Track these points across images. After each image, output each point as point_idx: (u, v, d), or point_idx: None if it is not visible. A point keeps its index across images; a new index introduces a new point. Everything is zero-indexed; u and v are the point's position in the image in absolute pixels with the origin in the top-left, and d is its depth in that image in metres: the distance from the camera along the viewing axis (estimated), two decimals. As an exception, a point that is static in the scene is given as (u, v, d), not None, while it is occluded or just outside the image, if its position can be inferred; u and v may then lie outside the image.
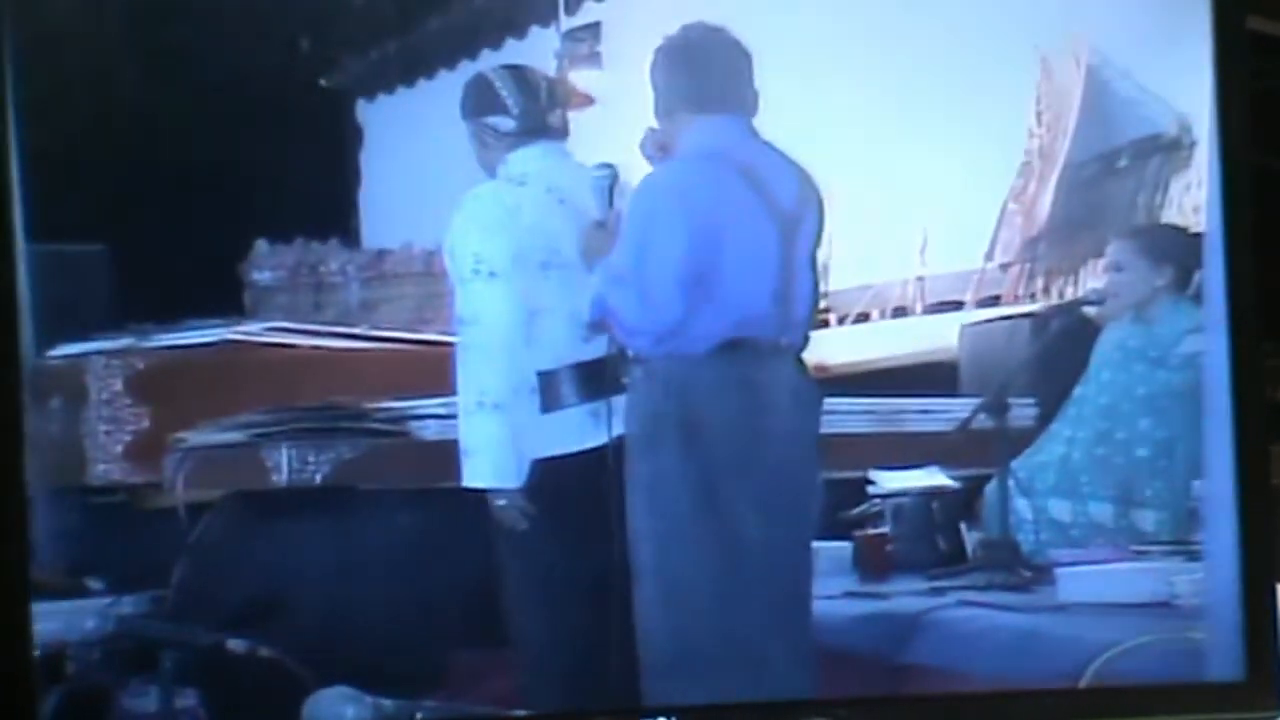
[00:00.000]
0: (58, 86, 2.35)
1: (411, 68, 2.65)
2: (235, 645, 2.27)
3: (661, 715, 2.27)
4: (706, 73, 2.47)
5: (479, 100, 2.52)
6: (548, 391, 2.49)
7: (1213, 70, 2.36)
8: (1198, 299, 2.49)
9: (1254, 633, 2.31)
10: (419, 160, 2.57)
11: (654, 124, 2.45)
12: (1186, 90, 2.53)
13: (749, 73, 2.43)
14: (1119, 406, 2.61)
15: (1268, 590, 2.33)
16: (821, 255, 2.51)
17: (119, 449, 2.45)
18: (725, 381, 2.43)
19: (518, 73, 2.52)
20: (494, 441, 2.47)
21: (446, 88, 2.58)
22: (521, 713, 2.18)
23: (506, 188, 2.51)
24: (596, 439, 2.48)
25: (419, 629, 2.42)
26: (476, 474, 2.46)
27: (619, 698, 2.39)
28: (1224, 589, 2.33)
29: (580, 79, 2.57)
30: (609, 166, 2.45)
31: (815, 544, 2.48)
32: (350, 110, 2.61)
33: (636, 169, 2.46)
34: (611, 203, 2.45)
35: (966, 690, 2.37)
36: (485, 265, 2.47)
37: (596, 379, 2.49)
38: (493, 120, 2.51)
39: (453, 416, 2.47)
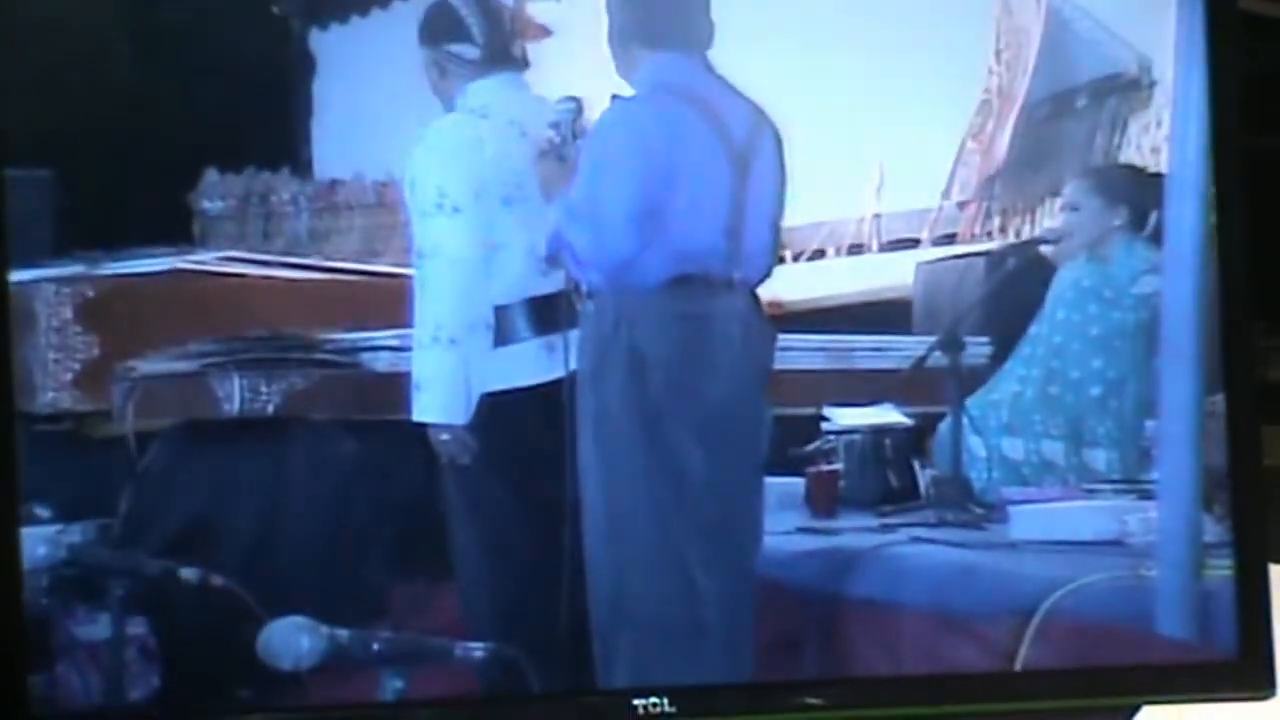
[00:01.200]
0: (5, 10, 2.32)
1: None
2: (186, 574, 2.26)
3: (653, 695, 2.27)
4: (661, 5, 2.46)
5: (441, 26, 2.49)
6: (502, 326, 2.48)
7: (1205, 51, 2.36)
8: (1154, 239, 2.49)
9: (1248, 614, 2.31)
10: (372, 90, 2.55)
11: (608, 54, 2.45)
12: (1146, 30, 2.52)
13: (705, 4, 2.42)
14: (1072, 346, 2.61)
15: (1261, 571, 2.33)
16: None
17: (68, 377, 2.43)
18: (675, 316, 2.43)
19: (481, 1, 2.50)
20: (446, 376, 2.45)
21: (401, 17, 2.55)
22: (478, 647, 2.17)
23: (469, 120, 2.49)
24: (550, 373, 2.47)
25: (371, 559, 2.42)
26: (426, 409, 2.45)
27: (564, 632, 2.40)
28: (1175, 527, 2.33)
29: (537, 10, 2.55)
30: (573, 100, 2.44)
31: (766, 480, 2.48)
32: (303, 38, 2.58)
33: (598, 103, 2.45)
34: (574, 136, 2.44)
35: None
36: (449, 199, 2.45)
37: (551, 313, 2.48)
38: (455, 48, 2.49)
39: (405, 349, 2.46)
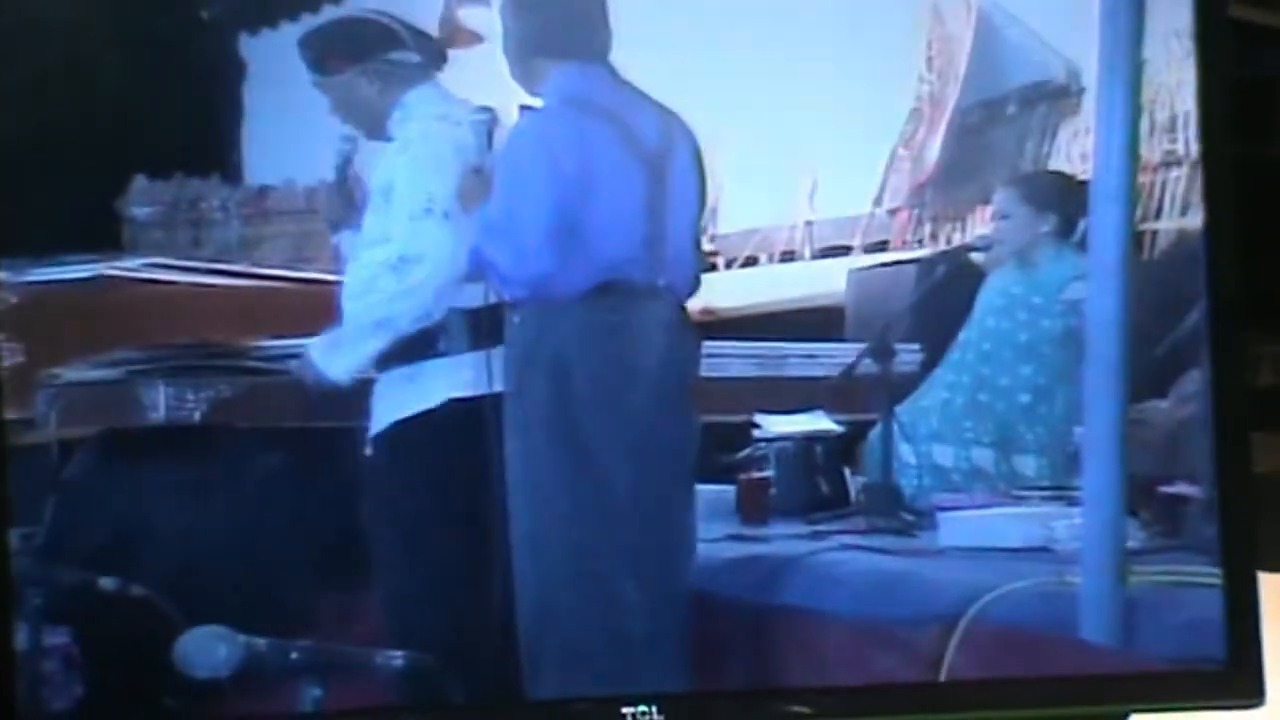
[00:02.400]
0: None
1: (297, 1, 2.60)
2: (106, 583, 2.25)
3: (642, 704, 2.28)
4: (558, 17, 2.46)
5: (375, 37, 2.48)
6: (446, 336, 2.48)
7: (1195, 58, 2.38)
8: (1083, 246, 2.50)
9: (1236, 621, 2.32)
10: (302, 96, 2.54)
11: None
12: (1075, 37, 2.53)
13: (603, 12, 2.43)
14: (1001, 353, 2.62)
15: (1249, 578, 2.34)
16: (709, 199, 2.52)
17: (-9, 384, 2.42)
18: (597, 325, 2.45)
19: (389, 16, 2.49)
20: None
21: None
22: (398, 656, 2.17)
23: (449, 128, 2.48)
24: (478, 387, 2.47)
25: (294, 569, 2.40)
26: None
27: (488, 643, 2.40)
28: (1098, 533, 2.35)
29: (469, 17, 2.54)
30: (488, 110, 2.45)
31: (697, 488, 2.48)
32: (233, 44, 2.56)
33: (513, 113, 2.46)
34: (489, 147, 2.44)
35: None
36: (439, 205, 2.45)
37: (483, 325, 2.48)
38: (397, 55, 2.48)
39: (333, 356, 2.46)
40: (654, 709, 2.25)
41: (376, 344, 2.45)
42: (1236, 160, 2.37)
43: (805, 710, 2.29)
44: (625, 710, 2.24)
